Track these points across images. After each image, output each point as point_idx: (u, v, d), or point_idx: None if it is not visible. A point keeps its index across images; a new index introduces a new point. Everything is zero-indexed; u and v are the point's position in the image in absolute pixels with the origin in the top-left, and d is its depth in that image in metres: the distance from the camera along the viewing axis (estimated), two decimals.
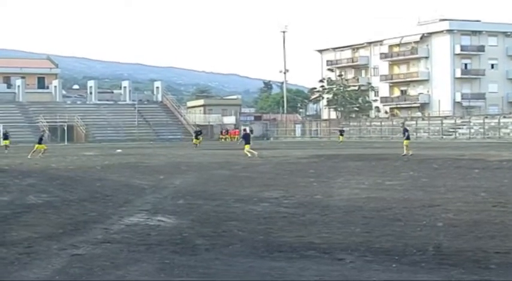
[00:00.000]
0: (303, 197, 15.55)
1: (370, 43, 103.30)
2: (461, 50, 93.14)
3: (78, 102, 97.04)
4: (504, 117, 74.39)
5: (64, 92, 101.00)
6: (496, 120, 73.74)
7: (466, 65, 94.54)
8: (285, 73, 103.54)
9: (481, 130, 73.67)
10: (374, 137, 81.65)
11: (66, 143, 73.51)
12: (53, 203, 14.95)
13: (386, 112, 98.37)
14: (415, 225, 11.06)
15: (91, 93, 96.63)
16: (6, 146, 49.33)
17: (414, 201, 14.39)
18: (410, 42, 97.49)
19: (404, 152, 34.97)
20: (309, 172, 23.91)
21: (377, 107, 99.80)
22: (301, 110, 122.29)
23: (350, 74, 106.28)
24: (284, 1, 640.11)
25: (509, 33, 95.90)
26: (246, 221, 11.80)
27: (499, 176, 21.04)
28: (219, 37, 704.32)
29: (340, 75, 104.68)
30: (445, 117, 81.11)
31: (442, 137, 75.01)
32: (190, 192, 17.03)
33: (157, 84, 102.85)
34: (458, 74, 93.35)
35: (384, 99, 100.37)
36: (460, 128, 77.10)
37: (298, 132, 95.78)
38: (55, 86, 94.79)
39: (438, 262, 8.16)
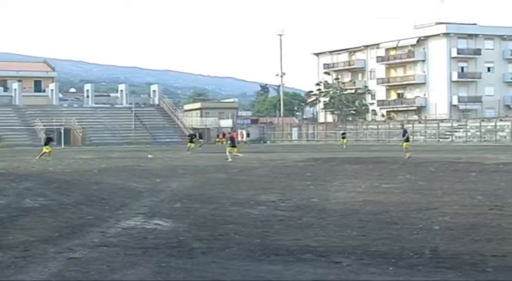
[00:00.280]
0: (299, 201, 15.53)
1: (366, 46, 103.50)
2: (458, 54, 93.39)
3: (75, 105, 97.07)
4: (500, 120, 74.57)
5: (61, 95, 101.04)
6: (493, 124, 73.91)
7: (462, 68, 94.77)
8: (281, 76, 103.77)
9: (478, 133, 73.83)
10: (371, 140, 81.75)
11: (63, 146, 73.37)
12: (50, 207, 14.92)
13: (383, 115, 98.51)
14: (411, 228, 11.05)
15: (88, 96, 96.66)
16: (44, 153, 39.10)
17: (411, 204, 14.39)
18: (407, 46, 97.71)
19: (407, 155, 35.08)
20: (306, 175, 23.89)
21: (374, 111, 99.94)
22: (297, 113, 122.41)
23: (347, 78, 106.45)
24: (281, 4, 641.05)
25: (505, 37, 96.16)
26: (243, 225, 11.78)
27: (495, 179, 21.05)
28: (215, 40, 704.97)
29: (336, 79, 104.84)
30: (442, 121, 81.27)
31: (438, 140, 75.13)
32: (187, 195, 17.01)
33: (154, 87, 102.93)
34: (454, 77, 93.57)
35: (381, 103, 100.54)
36: (456, 131, 77.25)
37: (294, 135, 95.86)
38: (52, 90, 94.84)
39: (435, 265, 8.16)
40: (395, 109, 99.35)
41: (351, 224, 11.71)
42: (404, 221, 11.97)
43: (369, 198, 15.82)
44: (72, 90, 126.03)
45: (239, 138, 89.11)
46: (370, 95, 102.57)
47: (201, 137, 60.71)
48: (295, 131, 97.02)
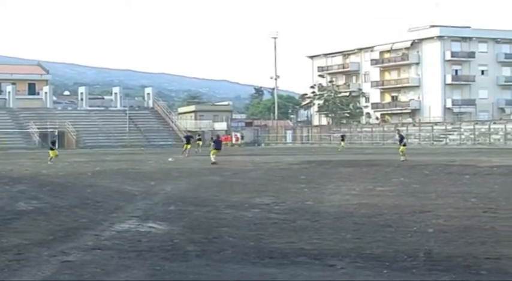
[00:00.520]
0: (293, 203, 15.54)
1: (361, 49, 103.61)
2: (452, 56, 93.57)
3: (69, 108, 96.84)
4: (494, 123, 74.70)
5: (55, 98, 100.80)
6: (486, 126, 74.05)
7: (456, 71, 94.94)
8: (276, 79, 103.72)
9: (472, 136, 73.93)
10: (365, 143, 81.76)
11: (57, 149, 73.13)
12: (43, 210, 14.89)
13: (377, 118, 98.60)
14: (405, 231, 11.07)
15: (82, 99, 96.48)
16: (51, 158, 39.83)
17: (405, 207, 14.41)
18: (401, 49, 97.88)
19: (402, 158, 35.16)
20: (300, 178, 23.91)
21: (368, 113, 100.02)
22: (292, 116, 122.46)
23: (341, 80, 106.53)
24: (275, 7, 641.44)
25: (499, 40, 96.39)
26: (237, 228, 11.78)
27: (489, 182, 21.10)
28: (210, 43, 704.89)
29: (331, 82, 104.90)
30: (436, 123, 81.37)
31: (432, 143, 75.20)
32: (181, 198, 17.00)
33: (148, 90, 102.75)
34: (448, 80, 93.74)
35: (375, 105, 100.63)
36: (450, 134, 77.35)
37: (289, 138, 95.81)
38: (46, 92, 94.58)
39: (429, 267, 8.17)
40: (389, 112, 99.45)
41: (345, 227, 11.71)
42: (399, 224, 11.98)
43: (363, 201, 15.83)
44: (66, 93, 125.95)
45: (233, 141, 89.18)
46: (364, 98, 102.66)
47: (199, 139, 60.18)
48: (289, 133, 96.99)
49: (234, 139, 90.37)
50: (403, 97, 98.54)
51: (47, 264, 8.64)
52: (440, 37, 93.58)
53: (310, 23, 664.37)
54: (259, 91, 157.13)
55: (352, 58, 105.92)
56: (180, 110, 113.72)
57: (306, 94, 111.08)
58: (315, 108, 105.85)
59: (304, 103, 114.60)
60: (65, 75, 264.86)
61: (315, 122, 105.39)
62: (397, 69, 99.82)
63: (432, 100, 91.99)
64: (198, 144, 56.72)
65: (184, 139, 53.68)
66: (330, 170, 29.57)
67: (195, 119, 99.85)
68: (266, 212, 14.03)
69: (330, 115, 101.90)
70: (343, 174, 26.36)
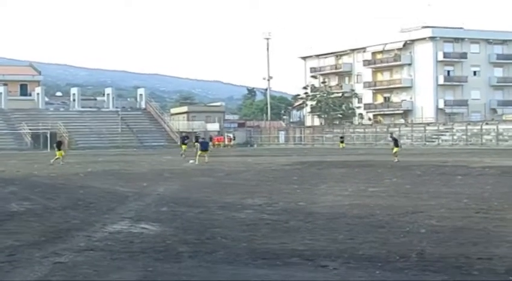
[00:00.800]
0: (286, 204, 15.54)
1: (353, 50, 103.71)
2: (444, 57, 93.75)
3: (61, 109, 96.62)
4: (486, 124, 74.90)
5: (47, 99, 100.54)
6: (479, 127, 74.24)
7: (448, 72, 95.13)
8: (268, 80, 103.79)
9: (464, 137, 74.11)
10: (357, 143, 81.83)
11: (49, 150, 72.98)
12: (35, 211, 14.85)
13: (369, 119, 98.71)
14: (398, 232, 11.09)
15: (74, 100, 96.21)
16: (57, 158, 38.68)
17: (397, 208, 14.43)
18: (393, 49, 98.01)
19: (395, 159, 35.27)
20: (293, 179, 23.92)
21: (360, 114, 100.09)
22: (284, 117, 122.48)
23: (333, 81, 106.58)
24: (268, 8, 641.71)
25: (491, 41, 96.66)
26: (230, 228, 11.77)
27: (481, 182, 21.16)
28: (202, 44, 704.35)
29: (323, 82, 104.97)
30: (428, 124, 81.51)
31: (425, 144, 75.33)
32: (173, 199, 16.99)
33: (140, 91, 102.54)
34: (441, 81, 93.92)
35: (367, 106, 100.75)
36: (443, 135, 77.52)
37: (281, 139, 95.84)
38: (38, 93, 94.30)
39: (421, 268, 8.18)
40: (382, 113, 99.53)
41: (337, 227, 11.72)
42: (391, 224, 12.00)
43: (356, 201, 15.85)
44: (59, 94, 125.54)
45: (226, 142, 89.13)
46: (356, 99, 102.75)
47: (197, 140, 59.72)
48: (282, 134, 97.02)
49: (226, 140, 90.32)
50: (395, 98, 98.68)
51: (39, 265, 8.61)
52: (432, 38, 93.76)
53: (303, 23, 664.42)
54: (251, 92, 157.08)
55: (345, 59, 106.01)
56: (173, 111, 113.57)
57: (299, 95, 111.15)
58: (308, 109, 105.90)
59: (296, 104, 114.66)
60: (57, 76, 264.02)
61: (308, 122, 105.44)
62: (390, 70, 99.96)
63: (424, 101, 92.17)
64: (195, 146, 56.29)
65: (180, 140, 53.51)
66: (323, 171, 29.61)
67: (188, 120, 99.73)
68: (259, 213, 14.03)
69: (322, 116, 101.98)
70: (336, 175, 26.39)
